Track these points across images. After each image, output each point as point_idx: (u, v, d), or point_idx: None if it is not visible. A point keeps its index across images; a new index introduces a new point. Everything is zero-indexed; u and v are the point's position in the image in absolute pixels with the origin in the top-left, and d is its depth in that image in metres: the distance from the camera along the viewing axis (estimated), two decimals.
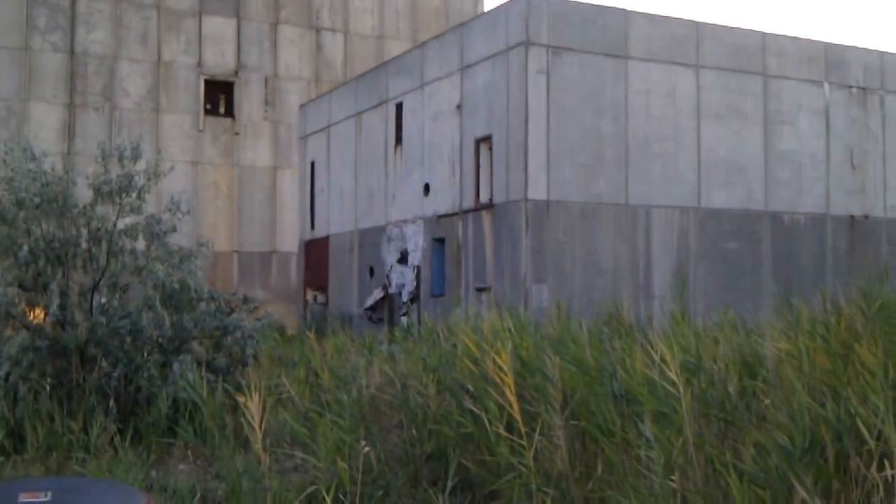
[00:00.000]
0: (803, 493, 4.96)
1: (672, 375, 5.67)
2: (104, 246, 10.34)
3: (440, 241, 19.07)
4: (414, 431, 7.85)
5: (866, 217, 20.23)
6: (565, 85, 16.75)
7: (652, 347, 6.29)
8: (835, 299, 7.78)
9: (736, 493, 4.99)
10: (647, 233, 17.40)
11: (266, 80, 31.25)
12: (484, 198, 17.53)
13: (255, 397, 6.64)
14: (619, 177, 17.19)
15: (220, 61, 30.66)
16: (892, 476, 5.34)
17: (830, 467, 5.36)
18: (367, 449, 6.92)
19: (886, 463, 5.34)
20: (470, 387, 7.61)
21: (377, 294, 21.41)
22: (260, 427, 6.67)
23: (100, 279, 10.32)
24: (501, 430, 6.47)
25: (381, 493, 7.03)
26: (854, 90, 20.16)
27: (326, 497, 6.21)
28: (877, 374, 5.80)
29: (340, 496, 6.64)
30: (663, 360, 5.88)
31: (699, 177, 18.07)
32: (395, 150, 21.09)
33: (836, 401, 5.74)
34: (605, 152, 17.12)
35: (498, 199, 17.06)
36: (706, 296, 17.55)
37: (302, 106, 27.89)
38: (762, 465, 5.25)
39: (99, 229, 10.39)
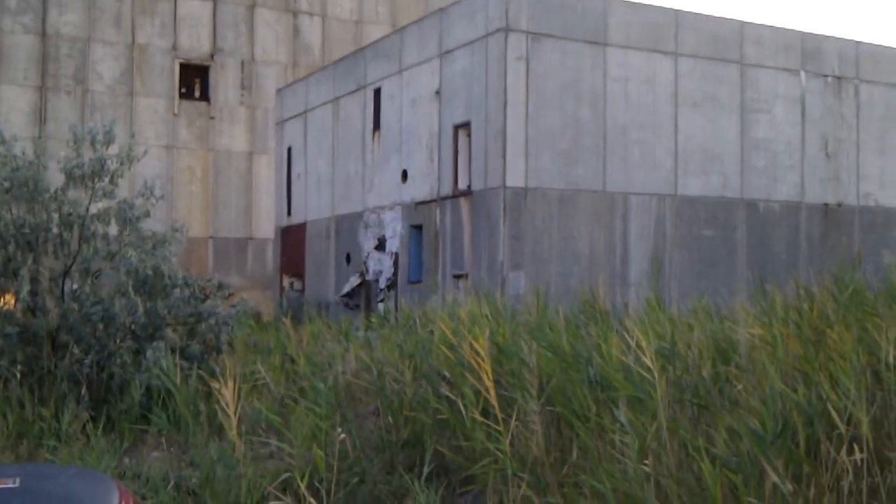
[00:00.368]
0: (774, 477, 5.01)
1: (647, 361, 5.69)
2: (76, 231, 10.23)
3: (418, 227, 19.04)
4: (390, 418, 7.83)
5: (840, 205, 20.39)
6: (544, 71, 16.73)
7: (628, 334, 6.31)
8: (808, 286, 7.85)
9: (708, 477, 5.01)
10: (624, 220, 17.45)
11: (242, 63, 31.00)
12: (462, 184, 17.50)
13: (230, 384, 6.59)
14: (597, 164, 17.21)
15: (195, 44, 30.37)
16: (862, 460, 5.41)
17: (801, 452, 5.41)
18: (342, 436, 6.89)
19: (856, 447, 5.40)
20: (446, 373, 7.60)
21: (354, 281, 21.35)
22: (234, 414, 6.62)
23: (71, 265, 10.21)
24: (477, 416, 6.47)
25: (356, 479, 7.01)
26: (829, 79, 20.28)
27: (301, 484, 6.18)
28: (849, 359, 5.86)
29: (315, 483, 6.61)
30: (638, 346, 5.91)
31: (676, 164, 18.13)
32: (373, 136, 21.00)
33: (808, 386, 5.80)
34: (583, 139, 17.13)
35: (476, 186, 17.04)
36: (682, 282, 17.65)
37: (279, 91, 27.70)
38: (734, 450, 5.29)
39: (70, 214, 10.27)
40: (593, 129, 17.19)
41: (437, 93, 18.43)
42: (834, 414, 5.46)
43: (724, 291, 14.16)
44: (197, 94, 30.60)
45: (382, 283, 20.17)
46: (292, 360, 9.99)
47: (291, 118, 25.80)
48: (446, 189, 17.99)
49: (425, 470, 6.84)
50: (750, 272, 18.15)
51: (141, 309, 10.01)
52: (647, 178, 17.79)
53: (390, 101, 20.33)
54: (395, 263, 19.70)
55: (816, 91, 20.08)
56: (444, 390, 7.23)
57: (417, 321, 9.75)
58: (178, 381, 8.50)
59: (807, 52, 19.98)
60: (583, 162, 17.08)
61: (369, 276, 20.84)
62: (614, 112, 17.43)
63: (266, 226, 30.18)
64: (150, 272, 10.25)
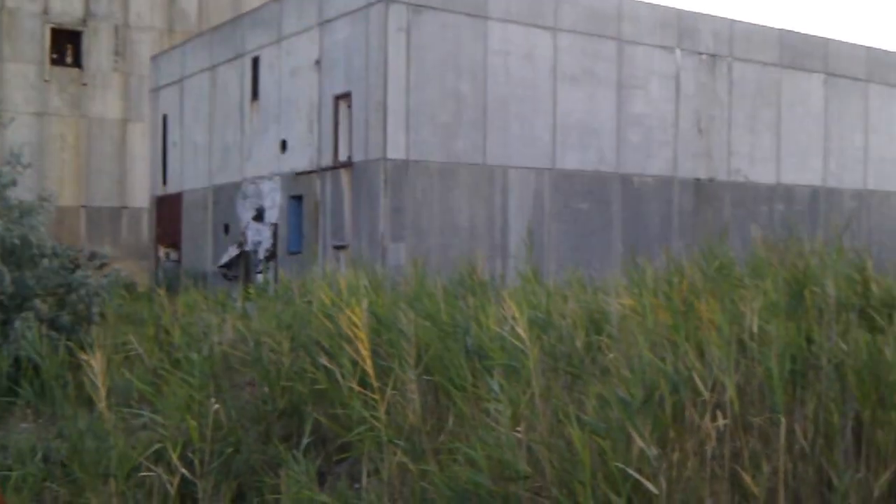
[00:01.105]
0: (640, 442, 5.14)
1: (520, 331, 5.79)
2: None
3: (297, 198, 18.80)
4: (266, 388, 7.74)
5: (711, 180, 21.16)
6: (425, 44, 16.70)
7: (504, 305, 6.40)
8: (678, 259, 8.10)
9: (578, 442, 5.10)
10: (503, 193, 17.67)
11: (116, 29, 29.83)
12: (343, 156, 17.35)
13: (98, 355, 6.38)
14: (477, 137, 17.34)
15: (67, 9, 29.05)
16: (725, 425, 5.63)
17: (668, 418, 5.57)
18: (216, 406, 6.78)
19: (720, 413, 5.62)
20: (325, 343, 7.56)
21: (232, 251, 20.95)
22: (103, 385, 6.42)
23: None
24: (355, 386, 6.46)
25: (231, 449, 6.91)
26: (704, 57, 20.92)
27: (173, 454, 6.06)
28: (716, 329, 6.09)
29: (189, 454, 6.49)
30: (514, 316, 5.99)
31: (554, 138, 18.44)
32: (252, 106, 20.57)
33: (676, 355, 5.98)
34: (464, 112, 17.21)
35: (357, 158, 16.92)
36: (558, 255, 18.03)
37: (154, 57, 26.79)
38: (603, 417, 5.42)
39: None
40: (474, 102, 17.29)
41: (318, 63, 18.17)
42: (699, 381, 5.63)
43: (600, 263, 14.55)
44: (69, 60, 29.35)
45: (261, 255, 19.86)
46: (166, 331, 9.75)
47: (167, 86, 25.00)
48: (327, 160, 17.80)
49: (304, 439, 6.80)
50: (624, 245, 18.70)
51: (8, 279, 9.62)
52: (527, 152, 18.04)
53: (269, 71, 19.94)
54: (275, 234, 19.42)
55: (691, 68, 20.70)
56: (323, 360, 7.18)
57: (296, 292, 9.64)
58: (46, 351, 8.18)
59: (682, 29, 20.56)
60: (463, 135, 17.18)
61: (248, 247, 20.49)
62: (495, 86, 17.57)
63: (141, 195, 29.26)
64: (17, 241, 9.83)
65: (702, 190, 20.87)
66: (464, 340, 6.83)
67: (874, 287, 7.43)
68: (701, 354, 5.96)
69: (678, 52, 20.44)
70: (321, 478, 6.76)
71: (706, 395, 5.61)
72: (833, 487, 5.81)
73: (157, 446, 6.61)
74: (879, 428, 6.01)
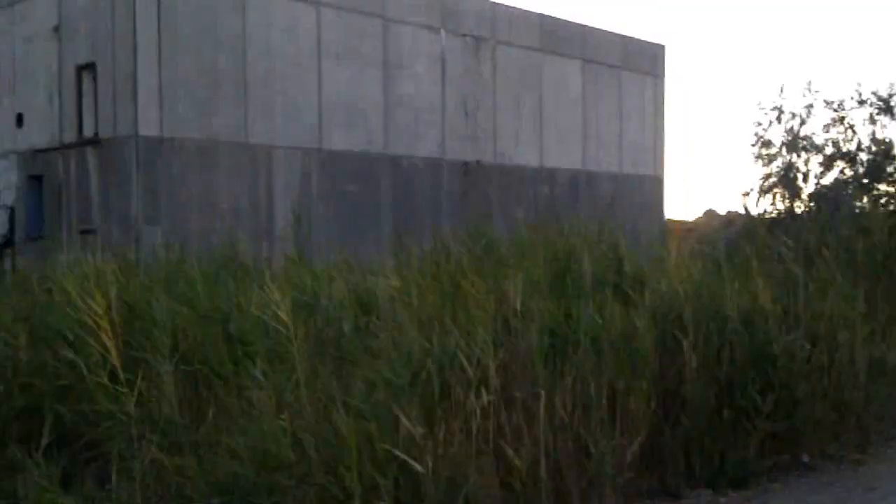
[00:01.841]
0: (406, 423, 5.16)
1: (283, 315, 5.60)
2: None
3: (38, 178, 17.43)
4: (1, 387, 7.02)
5: (478, 163, 21.65)
6: (179, 12, 15.83)
7: (269, 289, 6.17)
8: (447, 240, 8.20)
9: (343, 427, 5.07)
10: (269, 174, 17.17)
11: None
12: (88, 132, 16.20)
13: None
14: (238, 115, 16.69)
15: None
16: (490, 402, 5.73)
17: (435, 397, 5.61)
18: None
19: (483, 390, 5.71)
20: (69, 335, 6.95)
21: None
22: None
23: None
24: (104, 380, 5.98)
25: None
26: (469, 39, 21.24)
27: None
28: (482, 308, 6.17)
29: None
30: (277, 300, 5.79)
31: (321, 118, 18.13)
32: None
33: (443, 334, 6.02)
34: (223, 88, 16.50)
35: (104, 134, 15.85)
36: (328, 237, 17.73)
37: None
38: (370, 400, 5.37)
39: None
40: (234, 77, 16.62)
41: (56, 29, 16.81)
42: (464, 360, 5.74)
43: (370, 246, 14.46)
44: None
45: None
46: None
47: None
48: (70, 136, 16.56)
49: (44, 439, 6.23)
50: (394, 227, 18.75)
51: None
52: (292, 132, 17.62)
53: (1, 37, 18.25)
54: (12, 219, 17.87)
55: (456, 50, 20.94)
56: (68, 353, 6.60)
57: (36, 281, 8.85)
58: None
59: (447, 10, 20.77)
60: (223, 112, 16.48)
61: None
62: (256, 61, 16.96)
63: None
64: None
65: (470, 172, 21.31)
66: (224, 327, 6.56)
67: (627, 265, 7.87)
68: (468, 333, 6.02)
69: (443, 33, 20.65)
70: (69, 479, 6.23)
71: (471, 372, 5.68)
72: (590, 455, 6.08)
73: None
74: (632, 396, 6.37)
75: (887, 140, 15.53)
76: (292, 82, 17.60)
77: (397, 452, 5.14)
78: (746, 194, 16.66)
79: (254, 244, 12.14)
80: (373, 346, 6.17)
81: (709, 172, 47.01)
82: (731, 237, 14.02)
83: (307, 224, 16.83)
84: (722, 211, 26.24)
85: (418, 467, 5.20)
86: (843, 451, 7.67)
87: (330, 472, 5.26)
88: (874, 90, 15.59)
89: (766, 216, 15.94)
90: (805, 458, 7.38)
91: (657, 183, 26.25)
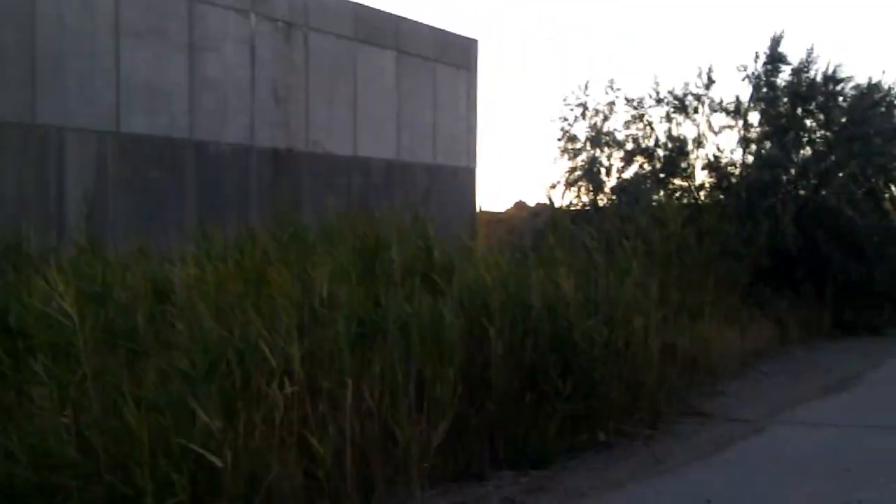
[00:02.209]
0: (202, 415, 4.98)
1: (67, 307, 5.23)
2: None
3: None
4: None
5: (290, 151, 21.21)
6: None
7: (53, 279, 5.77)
8: (254, 228, 8.02)
9: (133, 421, 4.84)
10: (59, 158, 16.09)
11: None
12: None
13: None
14: (25, 94, 15.52)
15: None
16: (292, 392, 5.62)
17: (236, 388, 5.45)
18: None
19: (286, 380, 5.60)
20: None
21: None
22: None
23: None
24: None
25: None
26: (280, 24, 20.76)
27: None
28: (287, 296, 6.03)
29: None
30: (60, 290, 5.42)
31: (119, 100, 17.17)
32: None
33: (245, 324, 5.85)
34: (8, 65, 15.29)
35: None
36: (127, 226, 16.88)
37: None
38: (164, 392, 5.13)
39: None
40: (20, 54, 15.42)
41: None
42: (266, 350, 5.62)
43: (174, 236, 13.84)
44: None
45: None
46: None
47: None
48: None
49: None
50: (200, 216, 18.05)
51: None
52: (87, 113, 16.58)
53: None
54: None
55: (267, 35, 20.43)
56: None
57: None
58: None
59: None
60: (8, 90, 15.26)
61: None
62: (46, 37, 15.82)
63: None
64: None
65: (280, 160, 20.86)
66: (2, 319, 6.08)
67: (436, 254, 7.95)
68: (271, 322, 5.89)
69: (253, 16, 20.10)
70: None
71: (274, 362, 5.56)
72: (397, 442, 6.10)
73: None
74: (439, 382, 6.44)
75: (681, 137, 16.46)
76: (87, 61, 16.55)
77: (193, 446, 4.96)
78: (553, 187, 17.26)
79: (42, 233, 11.32)
80: (168, 336, 5.90)
81: (519, 165, 48.34)
82: (539, 228, 14.47)
83: (102, 212, 15.92)
84: (531, 203, 27.06)
85: (216, 461, 5.05)
86: (637, 428, 8.07)
87: (119, 470, 5.01)
88: (670, 89, 16.45)
89: (572, 208, 16.57)
90: (602, 437, 7.70)
91: (470, 174, 26.71)
